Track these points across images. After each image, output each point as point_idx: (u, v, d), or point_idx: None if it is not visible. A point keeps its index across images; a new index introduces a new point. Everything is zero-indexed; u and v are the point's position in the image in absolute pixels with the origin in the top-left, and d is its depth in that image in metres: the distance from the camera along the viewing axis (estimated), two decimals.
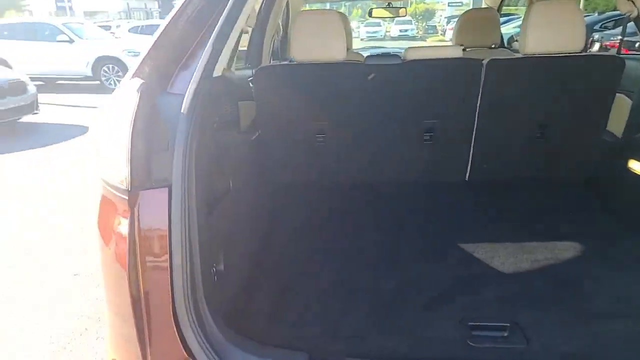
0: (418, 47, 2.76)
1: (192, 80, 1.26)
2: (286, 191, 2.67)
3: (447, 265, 1.93)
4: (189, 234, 1.19)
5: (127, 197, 1.17)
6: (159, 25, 1.80)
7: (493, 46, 3.79)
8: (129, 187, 1.16)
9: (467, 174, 2.63)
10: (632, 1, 2.28)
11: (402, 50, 3.32)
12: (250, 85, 2.52)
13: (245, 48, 3.36)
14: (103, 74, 11.50)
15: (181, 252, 1.17)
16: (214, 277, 1.42)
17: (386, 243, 2.14)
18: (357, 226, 2.31)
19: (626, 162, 2.23)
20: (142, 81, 1.21)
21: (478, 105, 2.38)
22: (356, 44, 14.10)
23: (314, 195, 2.63)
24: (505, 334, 1.48)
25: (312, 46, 2.26)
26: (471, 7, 14.76)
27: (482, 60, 2.31)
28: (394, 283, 1.82)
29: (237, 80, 2.60)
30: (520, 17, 9.72)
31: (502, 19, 4.68)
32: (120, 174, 1.17)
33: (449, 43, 3.72)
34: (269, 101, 2.48)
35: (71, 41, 11.56)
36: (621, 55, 2.59)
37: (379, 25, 30.18)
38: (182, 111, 1.21)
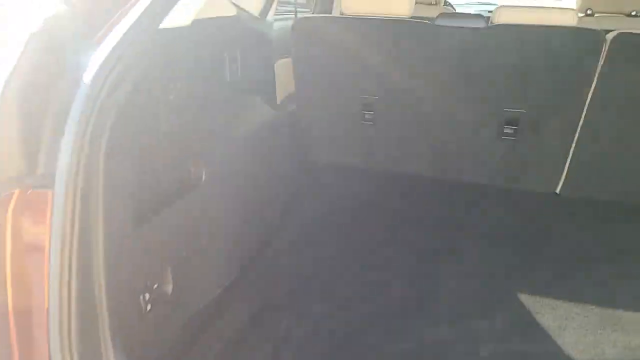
0: (515, 6, 1.98)
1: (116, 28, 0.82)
2: (307, 180, 2.18)
3: (490, 332, 1.36)
4: (79, 252, 0.80)
5: None
6: None
7: (634, 13, 2.78)
8: None
9: (560, 186, 1.98)
10: None
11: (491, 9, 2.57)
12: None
13: None
14: None
15: (60, 282, 0.78)
16: (145, 307, 1.04)
17: (418, 277, 1.63)
18: (386, 242, 1.81)
19: None
20: (45, 17, 0.80)
21: (590, 95, 1.70)
22: None
23: (342, 190, 2.12)
24: None
25: None
26: None
27: (607, 33, 1.62)
28: (408, 347, 1.33)
29: (274, 32, 2.11)
30: None
31: None
32: None
33: (571, 4, 2.82)
34: (308, 63, 1.98)
35: None
36: None
37: None
38: (81, 76, 0.78)
